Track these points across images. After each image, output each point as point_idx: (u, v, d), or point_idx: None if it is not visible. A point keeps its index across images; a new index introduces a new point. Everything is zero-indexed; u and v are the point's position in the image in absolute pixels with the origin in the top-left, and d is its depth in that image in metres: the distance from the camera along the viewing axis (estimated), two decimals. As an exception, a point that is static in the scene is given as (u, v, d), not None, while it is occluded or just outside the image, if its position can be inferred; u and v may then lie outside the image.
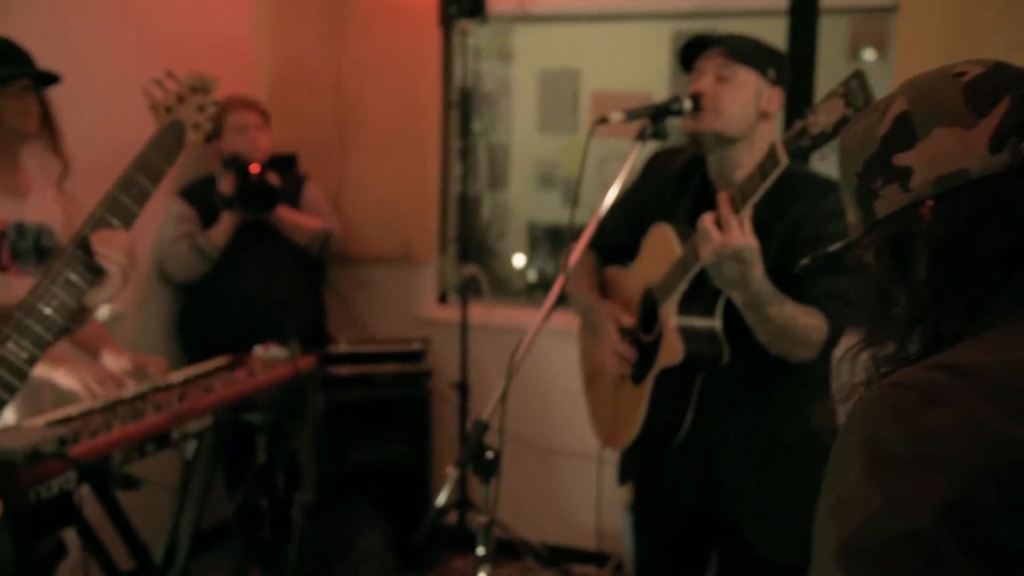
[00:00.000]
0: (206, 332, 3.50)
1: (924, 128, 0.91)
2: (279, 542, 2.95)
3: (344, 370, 3.49)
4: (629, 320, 2.16)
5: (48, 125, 2.45)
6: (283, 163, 3.41)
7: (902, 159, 0.91)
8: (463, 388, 3.47)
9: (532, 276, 5.09)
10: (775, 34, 2.97)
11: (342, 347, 3.54)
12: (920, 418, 0.77)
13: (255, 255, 3.43)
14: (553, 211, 5.33)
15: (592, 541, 3.48)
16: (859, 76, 1.62)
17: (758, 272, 1.79)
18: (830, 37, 4.17)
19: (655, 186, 2.22)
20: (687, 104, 2.00)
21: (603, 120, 2.01)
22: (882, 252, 0.94)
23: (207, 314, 3.52)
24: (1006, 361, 0.80)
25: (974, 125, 0.88)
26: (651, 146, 2.12)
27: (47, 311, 1.50)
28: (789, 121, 2.93)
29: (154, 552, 2.46)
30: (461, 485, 3.56)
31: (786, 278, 1.85)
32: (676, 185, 2.16)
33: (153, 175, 1.64)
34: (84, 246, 1.53)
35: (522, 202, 5.41)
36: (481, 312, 3.63)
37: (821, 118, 1.67)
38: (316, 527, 3.22)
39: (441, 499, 1.86)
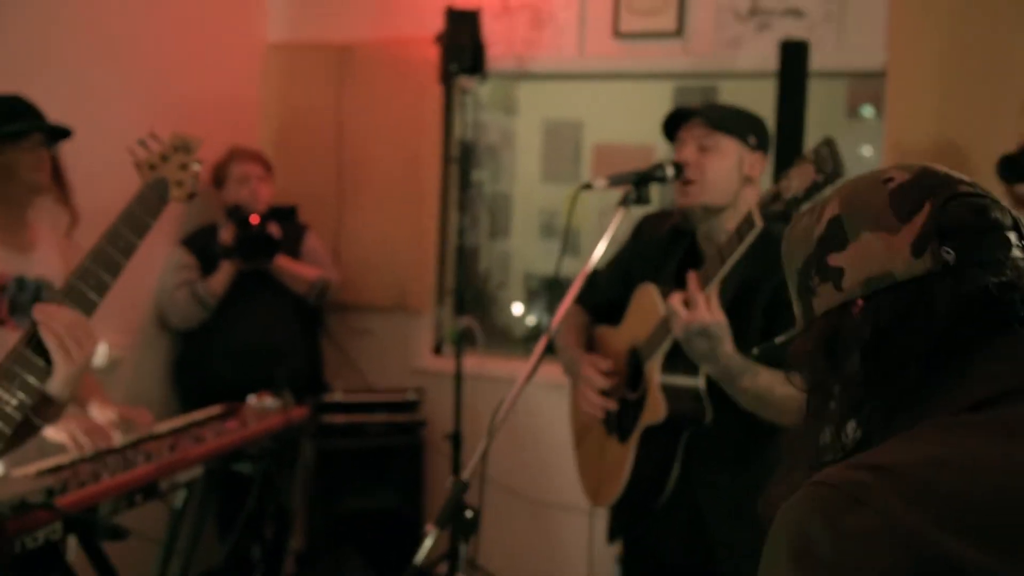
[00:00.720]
0: (203, 378, 3.54)
1: (854, 231, 0.94)
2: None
3: (338, 419, 3.52)
4: (606, 363, 2.20)
5: (59, 178, 2.52)
6: (283, 214, 3.48)
7: (835, 260, 0.95)
8: (456, 439, 3.49)
9: (530, 325, 5.12)
10: (769, 95, 3.03)
11: (337, 396, 3.57)
12: (842, 518, 0.79)
13: (253, 303, 3.48)
14: (554, 261, 5.37)
15: (583, 595, 3.47)
16: (829, 143, 1.67)
17: (727, 347, 1.83)
18: (829, 95, 4.24)
19: (645, 248, 2.27)
20: (670, 171, 2.05)
21: (587, 186, 2.06)
22: (818, 348, 0.97)
23: (204, 361, 3.56)
24: (925, 459, 0.82)
25: (898, 230, 0.92)
26: (640, 209, 2.17)
27: (11, 399, 1.50)
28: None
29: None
30: (475, 523, 3.55)
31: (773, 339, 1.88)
32: (665, 247, 2.21)
33: (138, 229, 1.68)
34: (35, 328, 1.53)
35: (524, 251, 5.46)
36: (476, 363, 3.65)
37: (793, 183, 1.72)
38: (308, 573, 3.23)
39: (420, 557, 1.88)
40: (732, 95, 4.50)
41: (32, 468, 2.20)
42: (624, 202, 2.06)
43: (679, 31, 3.50)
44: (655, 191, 2.13)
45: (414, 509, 3.57)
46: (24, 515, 1.96)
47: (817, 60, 3.17)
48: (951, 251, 0.90)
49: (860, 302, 0.93)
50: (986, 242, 0.91)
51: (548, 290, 5.24)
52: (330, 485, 3.49)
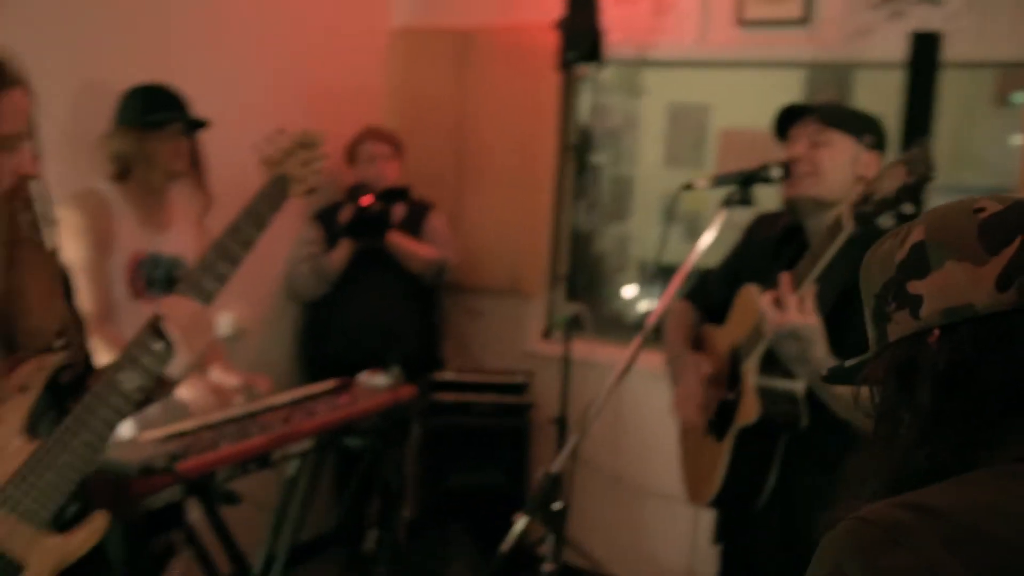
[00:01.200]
0: (322, 351, 3.72)
1: (937, 259, 0.92)
2: (378, 557, 3.09)
3: (449, 397, 3.62)
4: (707, 367, 2.19)
5: (196, 165, 2.68)
6: (396, 195, 3.57)
7: (915, 287, 0.93)
8: (562, 423, 3.53)
9: (641, 312, 5.11)
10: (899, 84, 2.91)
11: (447, 375, 3.67)
12: (878, 558, 0.79)
13: (371, 280, 3.61)
14: (673, 245, 5.32)
15: (682, 585, 3.48)
16: (922, 145, 1.63)
17: (818, 350, 1.80)
18: (973, 84, 4.03)
19: (755, 248, 2.24)
20: (776, 172, 2.02)
21: (688, 187, 2.05)
22: (890, 375, 0.96)
23: (324, 334, 3.74)
24: (975, 504, 0.81)
25: (985, 262, 0.89)
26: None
27: (131, 381, 1.62)
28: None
29: (253, 563, 2.63)
30: (563, 515, 3.61)
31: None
32: (776, 248, 2.18)
33: (258, 224, 1.76)
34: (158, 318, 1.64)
35: (643, 236, 5.43)
36: (585, 348, 3.68)
37: (885, 184, 1.67)
38: (413, 547, 3.35)
39: (507, 544, 1.93)
40: (867, 84, 4.34)
41: (159, 432, 2.37)
42: (727, 203, 2.05)
43: (805, 19, 3.40)
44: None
45: (518, 489, 3.64)
46: (148, 478, 2.12)
47: (957, 50, 3.04)
48: None
49: (937, 332, 0.91)
50: None
51: (663, 277, 5.21)
52: (438, 461, 3.60)
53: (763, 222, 2.26)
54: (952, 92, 3.90)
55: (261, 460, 2.43)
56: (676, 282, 2.04)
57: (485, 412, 3.63)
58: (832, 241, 1.76)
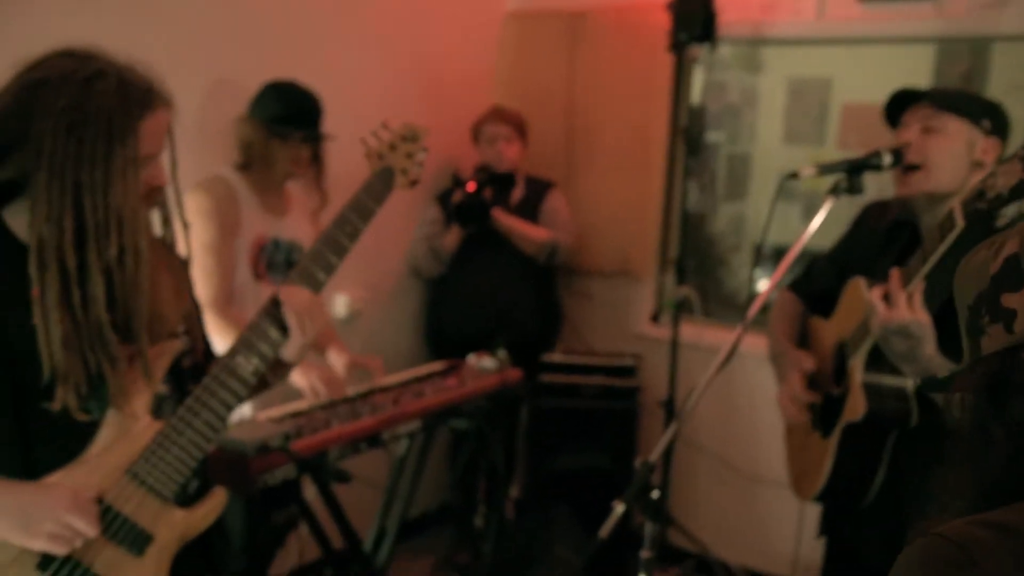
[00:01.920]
0: (442, 329, 3.84)
1: None
2: (486, 534, 3.16)
3: (558, 378, 3.65)
4: (810, 364, 2.15)
5: (317, 164, 2.78)
6: (498, 180, 3.62)
7: (1009, 300, 0.91)
8: (670, 406, 3.52)
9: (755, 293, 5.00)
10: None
11: (556, 357, 3.70)
12: (953, 575, 0.78)
13: (486, 261, 3.67)
14: (792, 225, 5.20)
15: (788, 570, 3.44)
16: None
17: (927, 348, 1.74)
18: None
19: (865, 238, 2.18)
20: (887, 159, 1.96)
21: (793, 175, 2.01)
22: (981, 389, 0.93)
23: (442, 312, 3.84)
24: None
25: None
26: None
27: (260, 343, 1.72)
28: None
29: (365, 538, 2.74)
30: (661, 503, 3.62)
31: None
32: (885, 239, 2.11)
33: (364, 215, 1.82)
34: (275, 302, 1.73)
35: (760, 215, 5.31)
36: (694, 332, 3.66)
37: (999, 181, 1.59)
38: (519, 526, 3.42)
39: (605, 530, 1.95)
40: (1005, 58, 4.11)
41: (275, 412, 2.49)
42: (835, 191, 1.99)
43: (932, -9, 3.26)
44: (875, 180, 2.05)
45: (625, 472, 3.65)
46: (265, 456, 2.23)
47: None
48: None
49: None
50: None
51: (775, 258, 5.09)
52: (546, 442, 3.64)
53: (873, 211, 2.19)
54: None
55: (371, 440, 2.53)
56: (783, 269, 2.01)
57: (593, 394, 3.64)
58: (944, 238, 1.70)
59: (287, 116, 2.68)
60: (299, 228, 2.81)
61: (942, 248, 1.70)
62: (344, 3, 3.35)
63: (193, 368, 1.71)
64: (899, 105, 2.00)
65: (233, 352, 1.67)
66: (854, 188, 1.99)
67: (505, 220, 3.58)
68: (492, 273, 3.69)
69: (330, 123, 2.79)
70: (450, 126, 3.84)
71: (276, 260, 2.76)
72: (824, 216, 1.99)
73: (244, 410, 2.64)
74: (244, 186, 2.70)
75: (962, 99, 1.95)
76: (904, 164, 1.95)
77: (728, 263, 5.16)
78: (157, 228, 1.67)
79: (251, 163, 2.71)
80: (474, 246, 3.66)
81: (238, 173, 2.71)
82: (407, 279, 3.86)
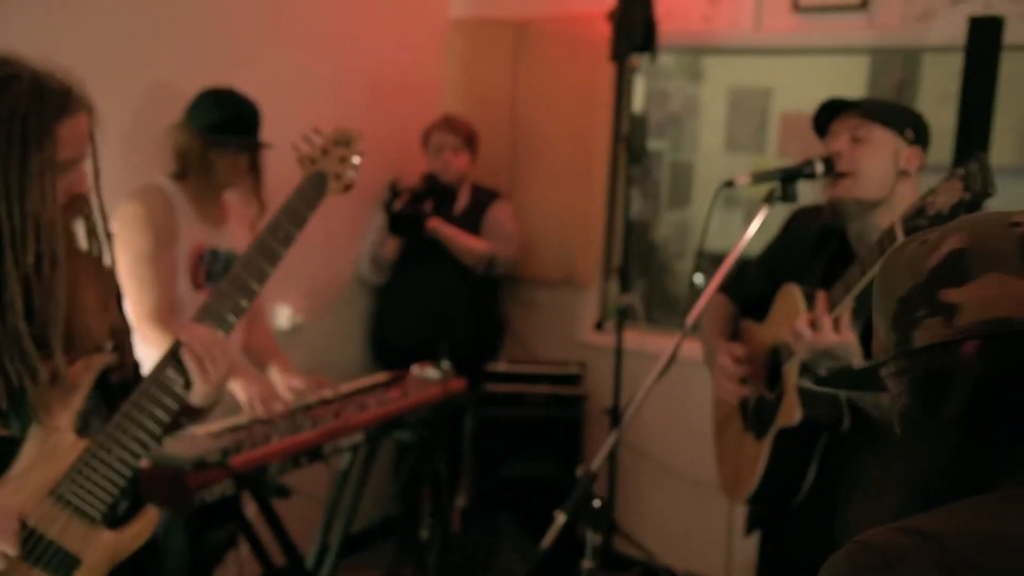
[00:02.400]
0: (385, 337, 3.83)
1: (977, 269, 0.91)
2: (431, 546, 3.14)
3: (502, 388, 3.65)
4: (740, 351, 2.18)
5: (254, 172, 2.74)
6: (442, 191, 3.63)
7: (950, 295, 0.92)
8: (615, 414, 3.54)
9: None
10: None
11: (501, 366, 3.69)
12: None
13: (428, 270, 3.66)
14: (734, 232, 5.27)
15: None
16: (979, 160, 1.58)
17: (856, 363, 1.77)
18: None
19: (794, 244, 2.22)
20: (819, 167, 2.00)
21: (729, 184, 2.03)
22: (915, 383, 0.94)
23: (385, 320, 3.84)
24: (980, 532, 0.80)
25: None
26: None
27: (151, 418, 1.62)
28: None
29: (308, 554, 2.70)
30: (608, 510, 3.64)
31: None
32: (813, 246, 2.15)
33: (296, 221, 1.78)
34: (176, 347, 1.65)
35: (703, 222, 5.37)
36: (637, 339, 3.68)
37: (940, 199, 1.63)
38: (465, 536, 3.40)
39: (547, 541, 1.95)
40: (935, 68, 4.21)
41: (213, 427, 2.44)
42: (768, 199, 2.02)
43: (864, 4, 3.32)
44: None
45: (572, 480, 3.64)
46: (203, 472, 2.19)
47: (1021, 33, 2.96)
48: None
49: (974, 343, 0.90)
50: None
51: (715, 264, 5.15)
52: (492, 451, 3.63)
53: (802, 217, 2.23)
54: (1019, 73, 3.77)
55: (312, 453, 2.50)
56: (720, 276, 2.03)
57: (539, 403, 3.65)
58: (882, 254, 1.73)
59: (224, 124, 2.63)
60: (237, 238, 2.78)
61: (879, 265, 1.73)
62: (285, 10, 3.33)
63: (122, 383, 1.67)
64: (828, 115, 2.04)
65: (163, 366, 1.63)
66: (788, 196, 2.02)
67: (443, 230, 3.58)
68: (433, 282, 3.68)
69: (270, 131, 2.76)
70: (397, 134, 3.83)
71: (215, 270, 2.72)
72: (760, 223, 2.02)
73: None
74: (180, 195, 2.65)
75: (887, 109, 2.00)
76: (835, 173, 1.99)
77: (672, 270, 5.21)
78: (82, 238, 1.63)
79: (187, 172, 2.66)
80: (417, 255, 3.65)
81: (174, 182, 2.66)
82: (354, 288, 3.85)
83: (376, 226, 3.72)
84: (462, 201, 3.72)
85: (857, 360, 1.79)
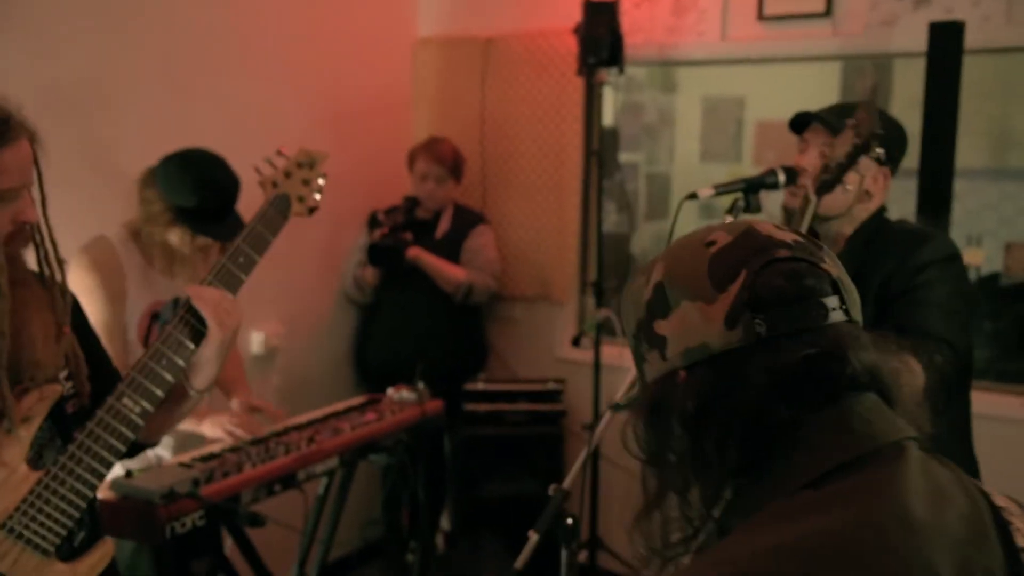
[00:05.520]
0: (367, 358, 3.82)
1: (675, 299, 0.91)
2: (416, 567, 3.11)
3: (481, 407, 3.63)
4: None
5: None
6: (422, 224, 3.62)
7: (660, 327, 0.92)
8: (594, 429, 3.52)
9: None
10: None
11: (479, 385, 3.68)
12: None
13: (409, 292, 3.65)
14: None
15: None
16: (866, 106, 1.66)
17: None
18: (1010, 69, 3.92)
19: None
20: (782, 177, 2.00)
21: (692, 196, 2.03)
22: (641, 420, 0.94)
23: (368, 342, 3.83)
24: (766, 549, 0.79)
25: (714, 300, 0.88)
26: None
27: (158, 369, 1.65)
28: (923, 173, 2.82)
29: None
30: (592, 524, 3.61)
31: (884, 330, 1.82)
32: None
33: (258, 246, 1.76)
34: (187, 306, 1.66)
35: (682, 233, 5.37)
36: (615, 353, 3.67)
37: (837, 151, 1.72)
38: (449, 558, 3.38)
39: (520, 562, 1.93)
40: (906, 72, 4.23)
41: (183, 457, 2.41)
42: (732, 210, 2.02)
43: (828, 11, 3.34)
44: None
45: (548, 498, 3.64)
46: (172, 503, 2.16)
47: (987, 36, 2.98)
48: (763, 323, 0.86)
49: (683, 374, 0.90)
50: (800, 311, 0.87)
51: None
52: (474, 471, 3.60)
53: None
54: (992, 77, 3.80)
55: (286, 481, 2.47)
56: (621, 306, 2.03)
57: (519, 421, 3.63)
58: (804, 214, 1.77)
59: (199, 214, 2.40)
60: (196, 281, 2.68)
61: (804, 224, 1.77)
62: (249, 34, 3.32)
63: (77, 413, 1.64)
64: (803, 124, 2.05)
65: (119, 394, 1.61)
66: (751, 206, 2.02)
67: (423, 259, 3.57)
68: (416, 304, 3.67)
69: (235, 156, 2.74)
70: (368, 154, 3.82)
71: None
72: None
73: (165, 455, 2.56)
74: (133, 250, 2.46)
75: None
76: (797, 184, 1.99)
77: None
78: (33, 266, 1.60)
79: (146, 239, 2.46)
80: (398, 277, 3.64)
81: (128, 235, 2.47)
82: (337, 310, 3.85)
83: (359, 246, 3.71)
84: (444, 225, 3.71)
85: None
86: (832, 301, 0.89)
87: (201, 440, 2.54)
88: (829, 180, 1.73)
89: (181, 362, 1.65)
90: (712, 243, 0.92)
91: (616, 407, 1.14)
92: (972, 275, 3.92)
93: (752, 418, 0.86)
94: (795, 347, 0.86)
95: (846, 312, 0.90)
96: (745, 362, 0.86)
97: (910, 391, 0.93)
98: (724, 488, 0.89)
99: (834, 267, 0.92)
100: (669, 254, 0.96)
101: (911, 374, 0.94)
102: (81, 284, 2.36)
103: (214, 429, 2.48)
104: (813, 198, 1.77)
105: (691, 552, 0.91)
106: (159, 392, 1.63)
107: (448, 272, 3.62)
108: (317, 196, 1.88)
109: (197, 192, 2.39)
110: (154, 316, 2.51)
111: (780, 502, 0.84)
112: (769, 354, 0.86)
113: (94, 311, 2.39)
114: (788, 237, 0.92)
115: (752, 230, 0.92)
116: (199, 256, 2.48)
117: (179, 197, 2.39)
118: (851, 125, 1.69)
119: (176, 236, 2.42)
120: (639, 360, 0.97)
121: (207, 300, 1.65)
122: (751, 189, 2.01)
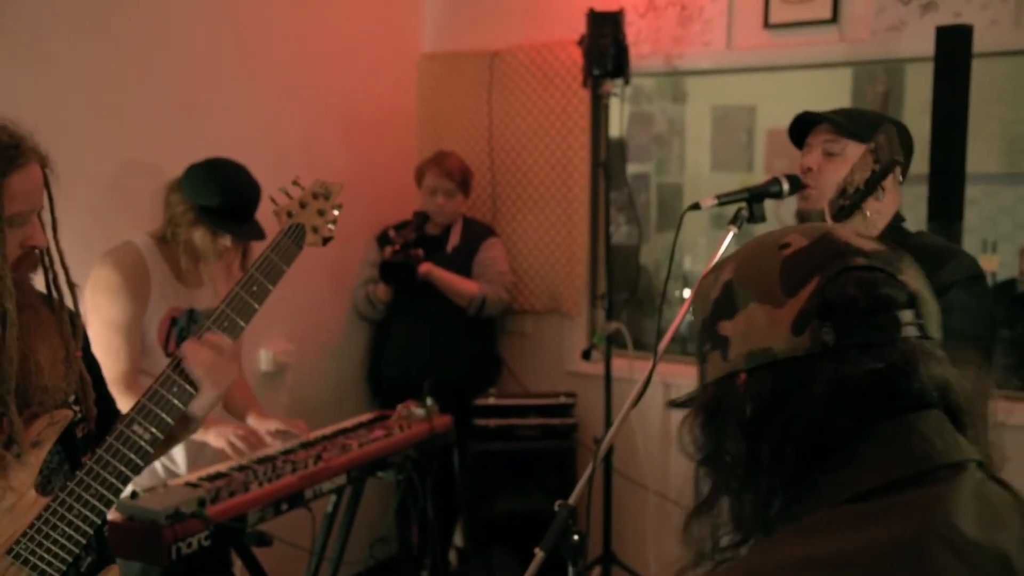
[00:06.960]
0: (380, 374, 3.81)
1: (743, 300, 0.89)
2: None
3: (492, 422, 3.60)
4: None
5: (242, 250, 2.64)
6: (432, 241, 3.61)
7: (724, 328, 0.90)
8: (600, 443, 3.49)
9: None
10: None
11: (490, 399, 3.66)
12: None
13: (422, 306, 3.64)
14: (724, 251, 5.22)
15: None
16: (887, 132, 1.58)
17: None
18: (1018, 74, 3.88)
19: None
20: (786, 186, 1.97)
21: (694, 206, 2.00)
22: (698, 420, 0.92)
23: (381, 357, 3.82)
24: (795, 560, 0.77)
25: (782, 304, 0.86)
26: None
27: (169, 396, 1.64)
28: (934, 179, 2.79)
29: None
30: (605, 540, 3.58)
31: None
32: None
33: (272, 276, 1.75)
34: (177, 365, 1.64)
35: (693, 244, 5.35)
36: (626, 365, 3.64)
37: (856, 176, 1.64)
38: (462, 574, 3.35)
39: (528, 578, 1.91)
40: (919, 77, 4.19)
41: (190, 476, 2.41)
42: (735, 220, 1.99)
43: (834, 18, 3.32)
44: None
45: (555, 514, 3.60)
46: (178, 523, 2.15)
47: (996, 39, 2.95)
48: (832, 332, 0.83)
49: (744, 376, 0.88)
50: (871, 323, 0.84)
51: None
52: (486, 486, 3.58)
53: None
54: (1004, 80, 3.76)
55: (293, 499, 2.45)
56: (689, 301, 2.00)
57: (530, 435, 3.61)
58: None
59: (221, 212, 2.51)
60: (216, 298, 2.72)
61: None
62: (256, 51, 3.33)
63: (86, 438, 1.64)
64: (804, 128, 2.02)
65: (129, 421, 1.60)
66: (755, 216, 1.99)
67: (435, 274, 3.56)
68: (429, 319, 3.67)
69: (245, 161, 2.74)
70: (375, 169, 3.82)
71: (192, 332, 2.66)
72: (728, 245, 1.99)
73: (180, 467, 2.57)
74: (157, 256, 2.55)
75: (862, 123, 1.96)
76: (802, 187, 1.97)
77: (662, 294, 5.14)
78: (42, 289, 1.60)
79: (171, 239, 2.55)
80: (411, 292, 3.63)
81: (154, 242, 2.56)
82: (349, 325, 3.84)
83: (369, 261, 3.70)
84: (454, 239, 3.70)
85: None
86: (907, 315, 0.86)
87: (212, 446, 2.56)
88: (848, 207, 1.65)
89: (175, 413, 1.63)
90: (787, 245, 0.90)
91: (673, 404, 1.11)
92: (988, 280, 3.87)
93: (810, 428, 0.84)
94: (862, 359, 0.83)
95: (921, 328, 0.86)
96: (808, 371, 0.84)
97: (984, 413, 0.90)
98: (776, 495, 0.86)
99: (913, 279, 0.89)
100: (741, 253, 0.94)
101: (985, 397, 0.90)
102: (106, 282, 2.46)
103: (218, 439, 2.48)
104: (828, 220, 1.69)
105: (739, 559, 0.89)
106: (169, 419, 1.62)
107: (461, 286, 3.61)
108: (331, 227, 1.86)
109: (220, 192, 2.51)
110: (173, 321, 2.59)
111: (823, 513, 0.82)
112: (834, 364, 0.83)
113: (116, 309, 2.45)
114: (867, 245, 0.89)
115: (830, 235, 0.90)
116: (219, 260, 2.57)
117: (202, 197, 2.51)
118: (870, 149, 1.62)
119: (199, 235, 2.51)
120: (702, 359, 0.95)
121: (200, 362, 1.62)
122: (754, 199, 1.98)
